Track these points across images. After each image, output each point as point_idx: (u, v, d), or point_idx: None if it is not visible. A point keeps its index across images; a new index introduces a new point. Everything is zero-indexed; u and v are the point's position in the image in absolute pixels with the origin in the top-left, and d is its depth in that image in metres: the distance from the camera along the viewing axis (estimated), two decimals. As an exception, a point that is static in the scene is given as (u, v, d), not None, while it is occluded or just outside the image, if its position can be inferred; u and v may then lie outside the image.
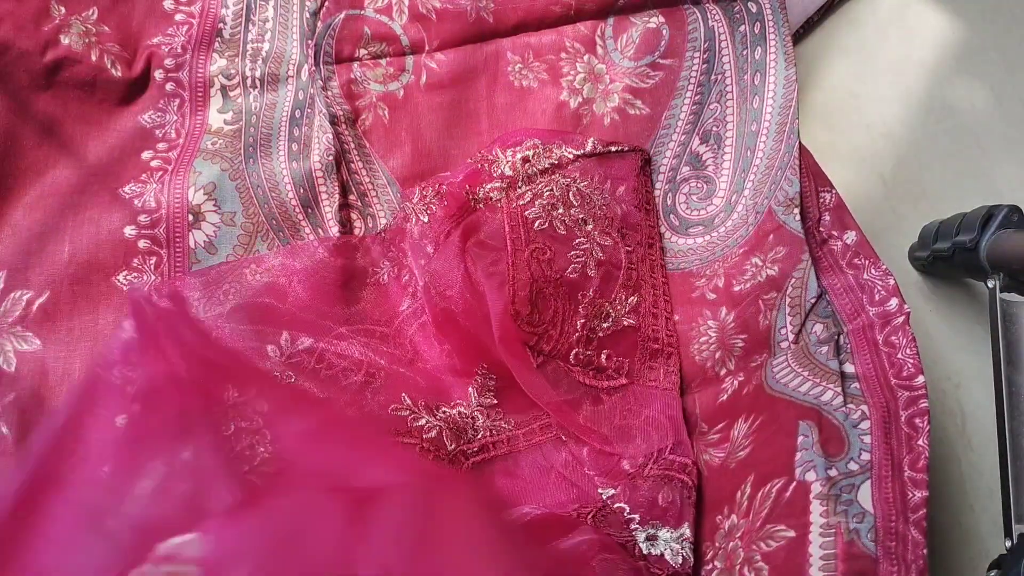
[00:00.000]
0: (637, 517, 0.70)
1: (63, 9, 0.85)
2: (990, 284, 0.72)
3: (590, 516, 0.70)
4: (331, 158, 0.85)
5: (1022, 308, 0.70)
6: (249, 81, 0.90)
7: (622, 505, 0.71)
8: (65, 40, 0.84)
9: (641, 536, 0.69)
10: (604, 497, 0.72)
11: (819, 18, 1.00)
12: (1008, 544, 0.62)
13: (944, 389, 0.83)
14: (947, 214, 0.83)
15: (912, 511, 0.55)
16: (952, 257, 0.79)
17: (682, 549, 0.68)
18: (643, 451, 0.74)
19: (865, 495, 0.57)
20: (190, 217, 0.81)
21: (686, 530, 0.68)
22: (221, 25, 0.91)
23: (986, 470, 0.79)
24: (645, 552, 0.68)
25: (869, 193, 0.93)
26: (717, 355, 0.78)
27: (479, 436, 0.76)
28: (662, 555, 0.67)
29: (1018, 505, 0.63)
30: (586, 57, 0.91)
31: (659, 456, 0.73)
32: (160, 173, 0.84)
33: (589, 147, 0.86)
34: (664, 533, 0.69)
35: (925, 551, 0.53)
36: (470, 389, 0.78)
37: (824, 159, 0.82)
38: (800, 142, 0.79)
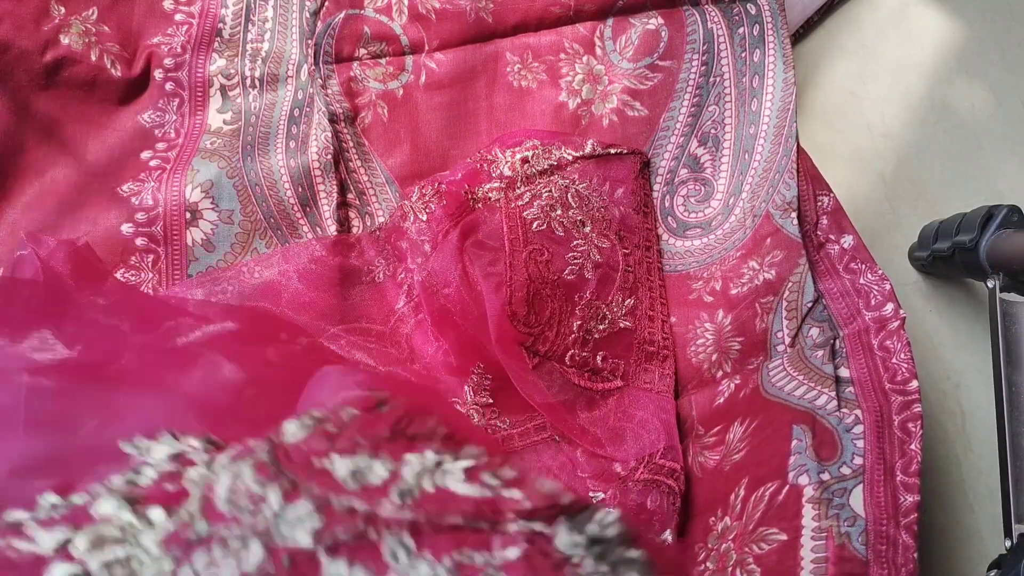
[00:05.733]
0: None
1: (63, 9, 0.86)
2: (990, 284, 0.72)
3: None
4: (329, 156, 0.85)
5: (1022, 308, 0.70)
6: (248, 81, 0.90)
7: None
8: (65, 40, 0.85)
9: None
10: (595, 502, 0.72)
11: (819, 18, 0.99)
12: (1008, 544, 0.62)
13: (944, 389, 0.83)
14: (947, 214, 0.83)
15: (904, 515, 0.55)
16: (952, 257, 0.79)
17: None
18: (635, 454, 0.74)
19: (857, 499, 0.58)
20: (187, 215, 0.81)
21: (668, 537, 0.68)
22: (221, 25, 0.91)
23: (986, 470, 0.79)
24: None
25: (869, 193, 0.92)
26: (714, 357, 0.78)
27: None
28: None
29: (1018, 505, 0.63)
30: (585, 58, 0.91)
31: (650, 460, 0.73)
32: (159, 172, 0.84)
33: (588, 149, 0.86)
34: None
35: (916, 555, 0.54)
36: (466, 388, 0.78)
37: (824, 159, 0.82)
38: (799, 145, 0.79)
